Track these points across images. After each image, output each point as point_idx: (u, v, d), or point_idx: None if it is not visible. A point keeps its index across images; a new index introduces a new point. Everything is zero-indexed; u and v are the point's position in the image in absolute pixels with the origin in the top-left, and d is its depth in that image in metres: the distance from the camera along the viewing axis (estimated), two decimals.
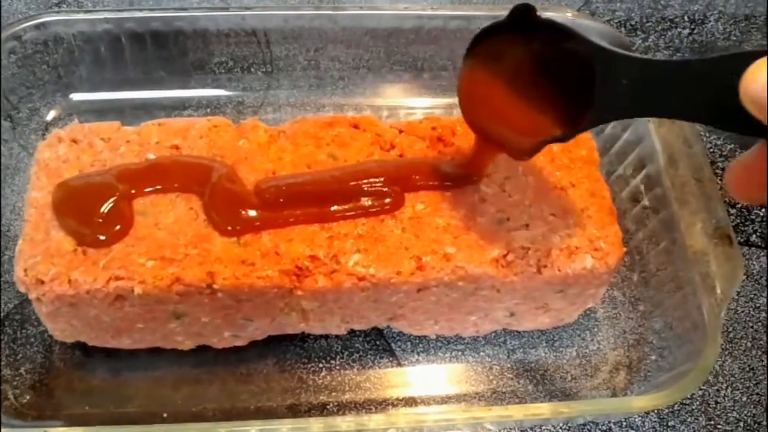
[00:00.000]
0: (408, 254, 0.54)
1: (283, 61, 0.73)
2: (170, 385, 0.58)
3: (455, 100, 0.73)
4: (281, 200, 0.55)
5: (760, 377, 0.61)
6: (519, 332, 0.62)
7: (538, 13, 0.46)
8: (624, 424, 0.59)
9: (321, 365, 0.60)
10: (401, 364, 0.61)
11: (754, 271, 0.67)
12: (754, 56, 0.36)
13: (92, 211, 0.53)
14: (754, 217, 0.70)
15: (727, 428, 0.59)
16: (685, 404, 0.60)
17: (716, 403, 0.60)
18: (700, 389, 0.61)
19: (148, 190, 0.55)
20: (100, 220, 0.53)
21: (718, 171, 0.72)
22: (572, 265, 0.54)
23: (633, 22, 0.82)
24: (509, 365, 0.61)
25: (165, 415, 0.56)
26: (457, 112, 0.68)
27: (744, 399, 0.60)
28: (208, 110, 0.72)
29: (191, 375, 0.59)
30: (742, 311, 0.65)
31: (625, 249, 0.56)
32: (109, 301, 0.53)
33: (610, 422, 0.59)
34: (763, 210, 0.70)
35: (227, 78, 0.73)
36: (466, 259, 0.54)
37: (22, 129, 0.68)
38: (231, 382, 0.59)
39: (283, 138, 0.59)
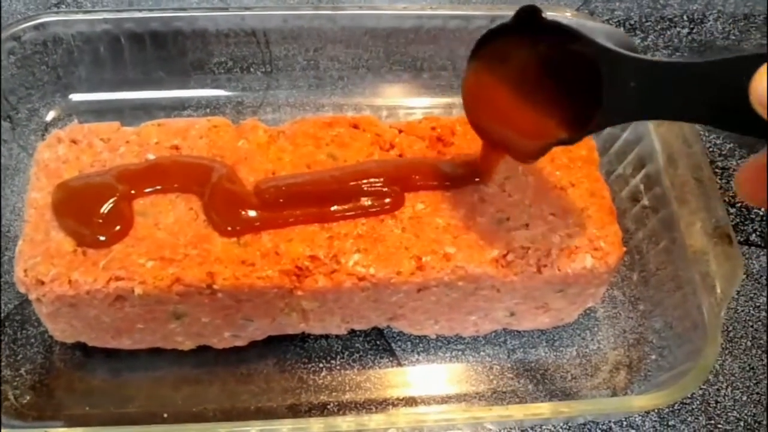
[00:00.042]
0: (408, 254, 0.54)
1: (283, 61, 0.73)
2: (170, 386, 0.58)
3: (454, 99, 0.73)
4: (281, 200, 0.55)
5: (760, 376, 0.61)
6: (519, 332, 0.62)
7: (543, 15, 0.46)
8: (624, 423, 0.59)
9: (321, 365, 0.60)
10: (401, 364, 0.61)
11: (754, 271, 0.67)
12: (763, 58, 0.36)
13: (92, 211, 0.53)
14: (753, 216, 0.70)
15: (728, 427, 0.59)
16: (686, 404, 0.60)
17: (716, 402, 0.60)
18: (701, 389, 0.61)
19: (147, 190, 0.55)
20: (100, 221, 0.53)
21: (717, 170, 0.72)
22: (572, 265, 0.54)
23: (632, 22, 0.82)
24: (509, 365, 0.61)
25: (165, 415, 0.56)
26: (457, 112, 0.69)
27: (744, 398, 0.61)
28: (208, 110, 0.72)
29: (191, 375, 0.59)
30: (742, 310, 0.65)
31: (624, 248, 0.56)
32: (109, 301, 0.53)
33: (610, 422, 0.59)
34: (763, 209, 0.70)
35: (227, 78, 0.73)
36: (466, 258, 0.54)
37: (22, 129, 0.68)
38: (231, 382, 0.59)
39: (283, 138, 0.59)
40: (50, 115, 0.70)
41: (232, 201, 0.54)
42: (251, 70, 0.73)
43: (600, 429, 0.59)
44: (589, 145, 0.60)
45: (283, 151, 0.58)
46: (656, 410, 0.59)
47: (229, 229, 0.54)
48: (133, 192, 0.55)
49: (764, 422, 0.59)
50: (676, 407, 0.60)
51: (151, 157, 0.57)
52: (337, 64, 0.73)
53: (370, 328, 0.61)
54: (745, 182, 0.41)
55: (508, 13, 0.66)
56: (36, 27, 0.65)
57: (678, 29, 0.82)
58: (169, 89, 0.71)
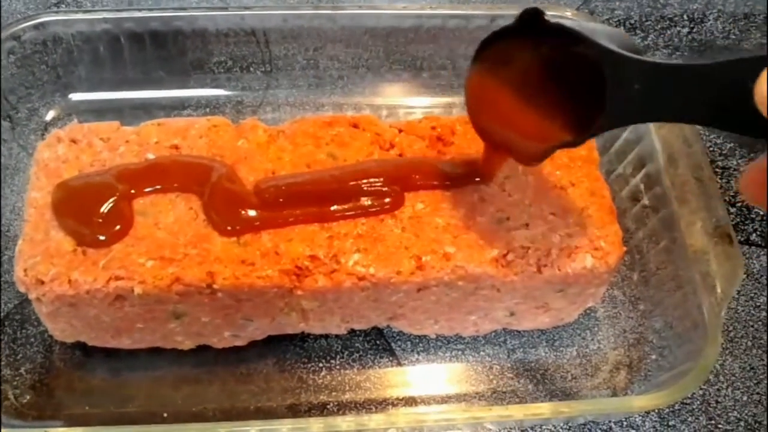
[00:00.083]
0: (408, 254, 0.54)
1: (282, 61, 0.73)
2: (170, 385, 0.58)
3: (454, 99, 0.73)
4: (281, 200, 0.55)
5: (761, 376, 0.61)
6: (519, 332, 0.62)
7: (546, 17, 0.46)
8: (624, 423, 0.59)
9: (321, 365, 0.60)
10: (401, 364, 0.60)
11: (755, 270, 0.67)
12: (767, 60, 0.36)
13: (92, 211, 0.53)
14: (754, 215, 0.70)
15: (728, 428, 0.59)
16: (686, 404, 0.60)
17: (717, 402, 0.60)
18: (701, 389, 0.61)
19: (147, 190, 0.55)
20: (100, 220, 0.53)
21: (717, 170, 0.72)
22: (572, 265, 0.54)
23: (632, 21, 0.82)
24: (509, 365, 0.61)
25: (165, 415, 0.56)
26: (457, 111, 0.69)
27: (744, 398, 0.60)
28: (208, 110, 0.72)
29: (191, 375, 0.59)
30: (743, 310, 0.65)
31: (625, 248, 0.56)
32: (109, 301, 0.53)
33: (610, 422, 0.59)
34: (763, 209, 0.70)
35: (226, 78, 0.73)
36: (466, 258, 0.53)
37: (22, 129, 0.68)
38: (231, 382, 0.59)
39: (283, 138, 0.59)
40: (50, 115, 0.70)
41: (231, 200, 0.54)
42: (251, 69, 0.73)
43: (600, 429, 0.59)
44: (589, 144, 0.60)
45: (283, 151, 0.58)
46: (656, 410, 0.59)
47: (229, 228, 0.54)
48: (132, 191, 0.55)
49: (765, 422, 0.59)
50: (676, 407, 0.60)
51: (150, 156, 0.57)
52: (336, 63, 0.73)
53: (369, 328, 0.61)
54: (750, 184, 0.41)
55: (508, 12, 0.67)
56: (36, 26, 0.65)
57: (678, 29, 0.82)
58: (169, 89, 0.71)
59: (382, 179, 0.55)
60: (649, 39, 0.81)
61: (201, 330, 0.57)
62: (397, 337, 0.62)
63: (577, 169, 0.58)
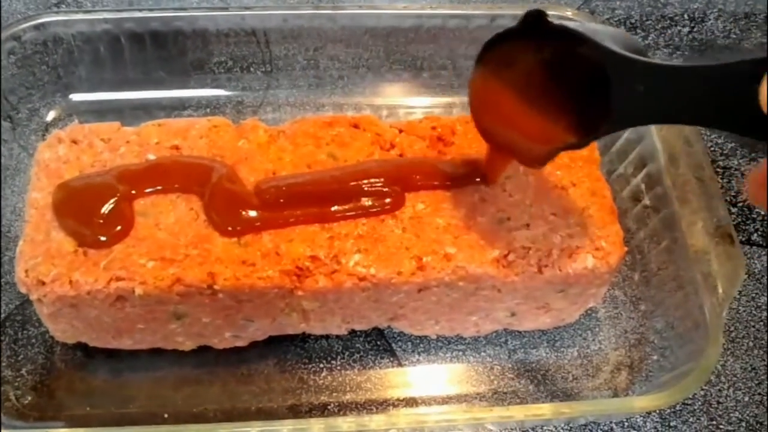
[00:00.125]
0: (408, 254, 0.53)
1: (283, 61, 0.73)
2: (171, 386, 0.58)
3: (455, 99, 0.73)
4: (281, 200, 0.54)
5: (762, 377, 0.61)
6: (520, 332, 0.62)
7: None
8: (626, 424, 0.59)
9: (322, 365, 0.60)
10: (402, 365, 0.60)
11: (756, 270, 0.67)
12: None
13: (93, 211, 0.53)
14: (755, 216, 0.70)
15: (729, 428, 0.59)
16: (687, 404, 0.60)
17: (718, 403, 0.60)
18: (702, 389, 0.61)
19: (148, 190, 0.55)
20: (101, 221, 0.53)
21: (718, 170, 0.72)
22: (573, 265, 0.54)
23: (633, 21, 0.82)
24: (510, 365, 0.61)
25: (166, 415, 0.56)
26: (457, 111, 0.68)
27: (746, 399, 0.60)
28: (208, 110, 0.72)
29: (192, 375, 0.59)
30: (744, 310, 0.65)
31: (626, 248, 0.56)
32: (110, 301, 0.52)
33: (611, 422, 0.59)
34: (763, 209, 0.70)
35: (227, 78, 0.73)
36: (467, 259, 0.53)
37: (22, 129, 0.68)
38: (232, 382, 0.59)
39: (283, 138, 0.59)
40: (51, 115, 0.70)
41: (232, 201, 0.54)
42: (251, 69, 0.73)
43: (601, 430, 0.59)
44: (590, 144, 0.60)
45: (284, 151, 0.58)
46: (658, 411, 0.59)
47: (230, 229, 0.54)
48: (133, 192, 0.55)
49: (766, 423, 0.59)
50: (677, 408, 0.60)
51: (151, 157, 0.57)
52: (337, 63, 0.73)
53: (370, 329, 0.61)
54: (752, 184, 0.41)
55: (508, 12, 0.67)
56: (36, 27, 0.65)
57: (679, 28, 0.82)
58: (170, 89, 0.71)
59: (382, 179, 0.55)
60: (650, 38, 0.81)
61: (202, 330, 0.57)
62: (398, 338, 0.62)
63: (578, 169, 0.58)
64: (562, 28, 0.45)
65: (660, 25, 0.82)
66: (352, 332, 0.61)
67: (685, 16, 0.83)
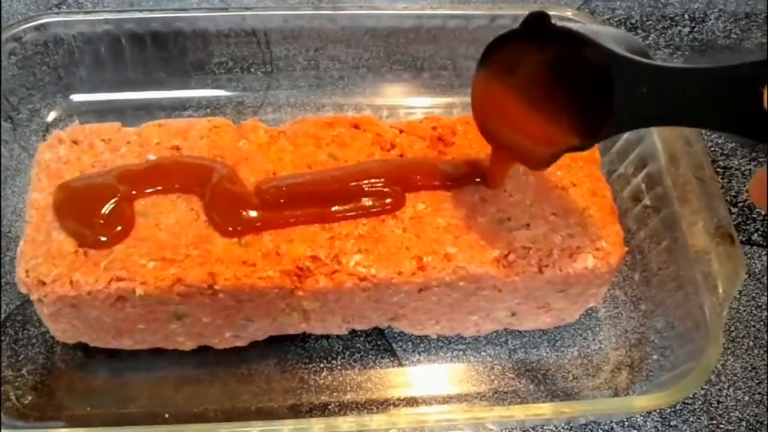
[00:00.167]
0: (409, 254, 0.54)
1: (283, 61, 0.73)
2: (172, 386, 0.58)
3: (455, 99, 0.73)
4: (282, 201, 0.55)
5: (762, 377, 0.61)
6: (520, 332, 0.62)
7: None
8: (626, 423, 0.59)
9: (322, 365, 0.60)
10: (402, 364, 0.60)
11: (756, 270, 0.67)
12: None
13: (93, 212, 0.53)
14: (755, 215, 0.70)
15: (730, 428, 0.59)
16: (687, 404, 0.60)
17: (718, 402, 0.60)
18: (702, 389, 0.61)
19: (148, 191, 0.55)
20: (101, 221, 0.53)
21: (719, 170, 0.72)
22: (573, 265, 0.54)
23: (633, 21, 0.82)
24: (511, 365, 0.61)
25: (166, 415, 0.57)
26: (457, 112, 0.68)
27: (746, 398, 0.60)
28: (208, 111, 0.72)
29: (192, 375, 0.59)
30: (744, 310, 0.65)
31: (626, 248, 0.56)
32: (111, 302, 0.53)
33: (612, 422, 0.59)
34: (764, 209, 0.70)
35: (227, 78, 0.73)
36: (467, 259, 0.53)
37: (23, 130, 0.68)
38: (232, 382, 0.59)
39: (284, 138, 0.59)
40: (51, 116, 0.70)
41: (233, 201, 0.54)
42: (252, 70, 0.73)
43: (602, 429, 0.59)
44: (593, 146, 0.60)
45: (284, 152, 0.58)
46: (658, 410, 0.59)
47: (230, 229, 0.54)
48: (134, 192, 0.55)
49: (766, 422, 0.59)
50: (677, 407, 0.60)
51: (152, 157, 0.57)
52: (337, 63, 0.73)
53: (371, 329, 0.61)
54: (758, 188, 0.41)
55: (509, 12, 0.67)
56: (37, 27, 0.65)
57: (679, 28, 0.82)
58: (170, 89, 0.71)
59: (383, 180, 0.55)
60: (650, 39, 0.81)
61: (202, 331, 0.57)
62: (399, 338, 0.62)
63: (578, 170, 0.58)
64: (564, 30, 0.45)
65: (660, 25, 0.82)
66: (353, 332, 0.61)
67: (686, 16, 0.83)
